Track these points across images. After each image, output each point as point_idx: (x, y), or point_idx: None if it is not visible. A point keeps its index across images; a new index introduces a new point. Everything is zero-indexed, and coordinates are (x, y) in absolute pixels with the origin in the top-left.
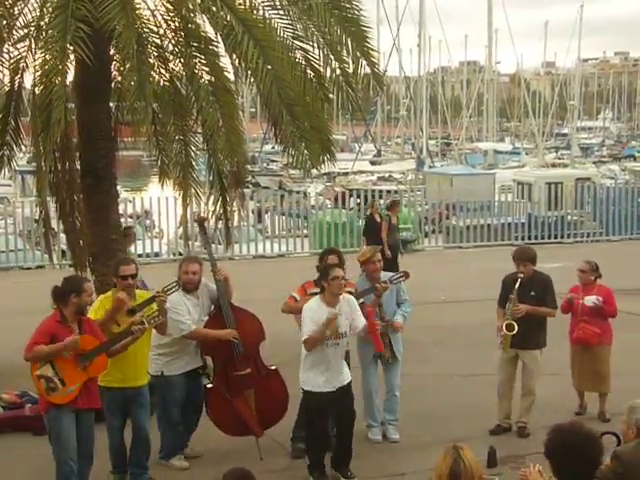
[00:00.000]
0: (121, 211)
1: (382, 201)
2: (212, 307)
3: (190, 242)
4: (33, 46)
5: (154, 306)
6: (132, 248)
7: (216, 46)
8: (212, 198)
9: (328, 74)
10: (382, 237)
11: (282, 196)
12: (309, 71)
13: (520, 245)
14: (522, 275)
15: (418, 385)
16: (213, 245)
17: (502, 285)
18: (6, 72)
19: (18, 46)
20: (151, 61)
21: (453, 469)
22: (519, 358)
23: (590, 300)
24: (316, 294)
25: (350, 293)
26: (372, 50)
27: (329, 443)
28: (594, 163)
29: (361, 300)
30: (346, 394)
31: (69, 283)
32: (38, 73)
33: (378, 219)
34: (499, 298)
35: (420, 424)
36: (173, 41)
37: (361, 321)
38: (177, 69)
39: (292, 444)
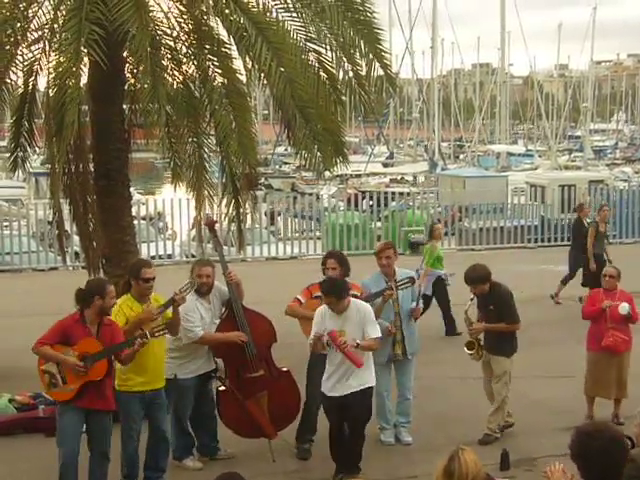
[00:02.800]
0: (134, 213)
1: (394, 203)
2: (223, 309)
3: (203, 244)
4: (47, 48)
5: (169, 312)
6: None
7: (229, 48)
8: (225, 200)
9: (341, 76)
10: (587, 247)
11: (295, 198)
12: (322, 73)
13: (533, 247)
14: (473, 297)
15: (432, 387)
16: (226, 247)
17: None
18: (20, 74)
19: (32, 48)
20: (164, 63)
21: (447, 467)
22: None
23: (625, 309)
24: (320, 297)
25: (355, 296)
26: (385, 52)
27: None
28: (607, 165)
29: None
30: (358, 401)
31: (93, 285)
32: (52, 75)
33: (586, 223)
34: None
35: (433, 426)
36: (186, 43)
37: (373, 331)
38: (190, 71)
39: (297, 445)
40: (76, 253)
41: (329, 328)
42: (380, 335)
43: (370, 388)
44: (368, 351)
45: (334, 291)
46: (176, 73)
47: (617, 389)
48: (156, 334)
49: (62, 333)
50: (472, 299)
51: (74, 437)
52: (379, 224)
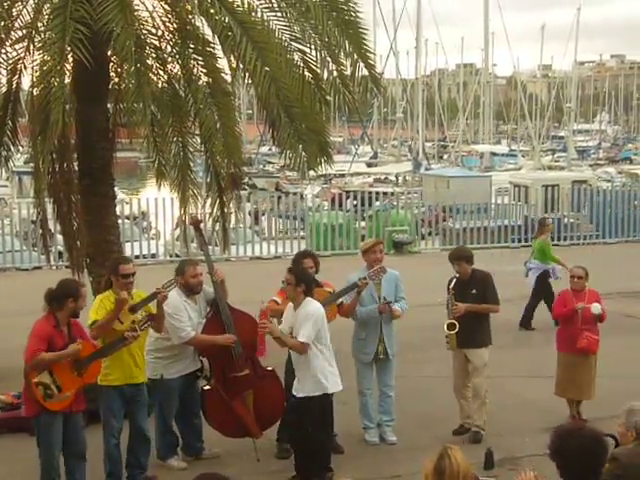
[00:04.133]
0: (118, 212)
1: (378, 203)
2: (208, 308)
3: (188, 243)
4: (31, 47)
5: (151, 307)
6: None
7: (214, 48)
8: (209, 200)
9: (325, 76)
10: None
11: (279, 198)
12: (307, 73)
13: (516, 247)
14: (458, 275)
15: (416, 387)
16: (210, 247)
17: (447, 288)
18: (4, 73)
19: (16, 47)
20: (149, 62)
21: (438, 465)
22: (467, 358)
23: (597, 309)
24: None
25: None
26: (369, 52)
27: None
28: (590, 166)
29: (340, 300)
30: (300, 408)
31: (67, 287)
32: (36, 74)
33: None
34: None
35: (418, 426)
36: (171, 42)
37: (301, 334)
38: (175, 71)
39: (277, 444)
40: (60, 252)
41: (286, 323)
42: (306, 342)
43: (311, 398)
44: (283, 346)
45: (297, 274)
46: (161, 72)
47: (590, 389)
48: (143, 326)
49: (47, 340)
50: (456, 277)
51: (60, 447)
52: (363, 224)
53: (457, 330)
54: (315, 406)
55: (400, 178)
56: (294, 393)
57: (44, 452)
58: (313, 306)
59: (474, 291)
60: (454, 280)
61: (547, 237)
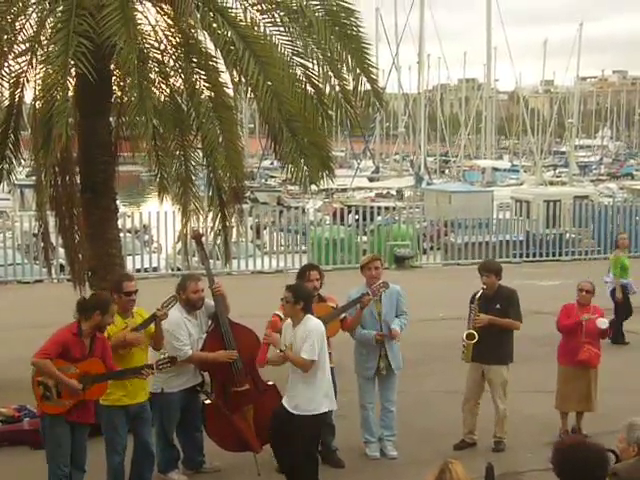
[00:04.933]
0: (120, 226)
1: (379, 217)
2: (209, 322)
3: (189, 257)
4: (34, 61)
5: (151, 327)
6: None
7: (216, 62)
8: (211, 214)
9: (328, 91)
10: None
11: (280, 212)
12: (309, 87)
13: (518, 262)
14: (484, 286)
15: (417, 402)
16: (211, 260)
17: (471, 300)
18: (6, 86)
19: (19, 60)
20: (152, 76)
21: (439, 479)
22: (485, 374)
23: (605, 323)
24: None
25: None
26: (372, 67)
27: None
28: (592, 181)
29: (343, 315)
30: (302, 426)
31: (98, 300)
32: (39, 88)
33: None
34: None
35: (419, 440)
36: (174, 56)
37: (304, 351)
38: (178, 84)
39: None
40: (61, 266)
41: (286, 339)
42: (313, 358)
43: (311, 416)
44: (286, 362)
45: (295, 291)
46: (163, 86)
47: (589, 402)
48: (160, 367)
49: (62, 346)
50: (483, 288)
51: (67, 451)
52: (365, 238)
53: (475, 340)
54: (307, 425)
55: (402, 193)
56: (289, 409)
57: (48, 454)
58: (313, 323)
59: (498, 306)
60: (479, 293)
61: (621, 252)
